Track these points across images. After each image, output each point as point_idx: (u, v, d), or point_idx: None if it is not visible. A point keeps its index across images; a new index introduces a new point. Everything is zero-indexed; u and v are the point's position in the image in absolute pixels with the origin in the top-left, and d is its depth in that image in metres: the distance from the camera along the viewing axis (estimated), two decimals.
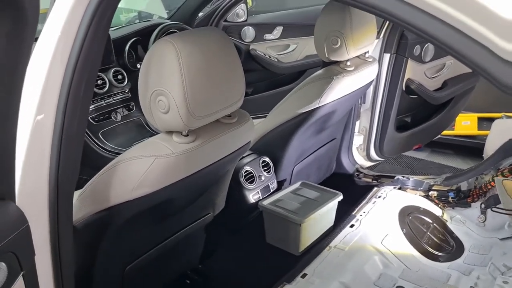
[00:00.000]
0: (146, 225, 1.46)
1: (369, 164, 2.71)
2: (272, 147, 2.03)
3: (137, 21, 3.28)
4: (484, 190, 2.13)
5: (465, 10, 0.68)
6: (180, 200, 1.46)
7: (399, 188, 2.34)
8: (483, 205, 2.08)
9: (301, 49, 3.38)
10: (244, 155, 2.00)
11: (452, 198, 2.22)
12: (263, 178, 1.99)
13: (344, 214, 2.04)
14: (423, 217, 2.08)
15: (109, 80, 2.43)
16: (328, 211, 1.94)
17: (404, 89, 2.47)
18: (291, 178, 2.18)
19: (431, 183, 2.34)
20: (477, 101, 3.14)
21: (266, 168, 2.02)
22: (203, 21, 3.20)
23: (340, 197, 1.97)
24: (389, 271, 1.76)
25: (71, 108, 1.07)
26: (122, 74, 2.50)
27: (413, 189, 2.34)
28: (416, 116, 2.75)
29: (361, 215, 2.03)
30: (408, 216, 2.06)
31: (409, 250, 1.89)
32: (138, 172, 1.21)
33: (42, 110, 1.05)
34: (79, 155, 1.17)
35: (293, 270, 1.70)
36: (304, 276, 1.68)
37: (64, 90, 1.06)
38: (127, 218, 1.33)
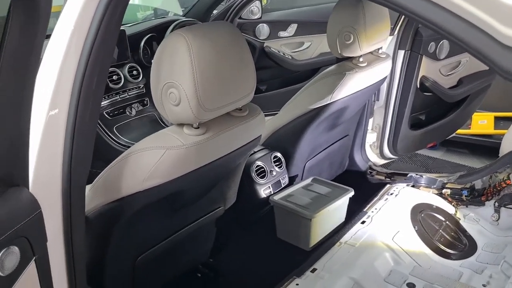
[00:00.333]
0: (157, 217, 1.48)
1: (382, 161, 2.70)
2: (283, 143, 2.04)
3: (153, 18, 3.31)
4: (498, 188, 2.11)
5: None
6: (190, 192, 1.47)
7: (412, 186, 2.33)
8: (497, 204, 2.05)
9: (316, 46, 3.37)
10: (255, 150, 2.01)
11: (465, 196, 2.20)
12: (274, 173, 2.00)
13: (355, 211, 2.03)
14: (435, 215, 2.07)
15: (124, 76, 2.46)
16: (339, 206, 1.94)
17: (418, 86, 2.45)
18: (303, 174, 2.18)
19: (445, 181, 2.32)
20: (494, 100, 3.11)
21: (277, 163, 2.03)
22: (218, 19, 3.22)
23: (352, 193, 1.97)
24: (400, 268, 1.75)
25: (84, 101, 1.09)
26: (137, 69, 2.54)
27: (426, 187, 2.32)
28: (430, 114, 2.72)
29: (372, 212, 2.02)
30: (420, 213, 2.04)
31: (421, 247, 1.88)
32: (149, 163, 1.23)
33: (56, 103, 1.08)
34: (91, 147, 1.19)
35: (303, 265, 1.70)
36: (313, 271, 1.68)
37: (77, 83, 1.08)
38: (138, 209, 1.35)
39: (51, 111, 1.07)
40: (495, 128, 3.58)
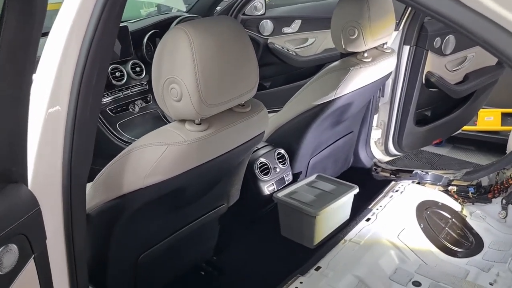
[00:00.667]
0: (159, 214, 1.46)
1: (387, 158, 2.67)
2: (287, 139, 2.02)
3: (157, 14, 3.29)
4: (506, 185, 2.08)
5: None
6: (193, 189, 1.46)
7: (418, 183, 2.30)
8: (504, 201, 2.02)
9: (320, 42, 3.35)
10: (259, 147, 1.99)
11: (472, 193, 2.17)
12: (278, 170, 1.98)
13: (360, 208, 2.01)
14: (441, 212, 2.04)
15: (127, 72, 2.45)
16: (344, 204, 1.91)
17: (424, 82, 2.43)
18: (307, 170, 2.16)
19: (451, 178, 2.29)
20: (500, 96, 3.07)
21: (281, 160, 2.01)
22: (221, 14, 3.19)
23: (356, 190, 1.94)
24: (405, 266, 1.73)
25: (83, 98, 1.08)
26: (140, 66, 2.52)
27: (431, 184, 2.29)
28: (436, 110, 2.70)
29: (377, 209, 2.00)
30: (426, 210, 2.02)
31: (427, 245, 1.85)
32: (150, 159, 1.21)
33: (56, 99, 1.06)
34: (92, 143, 1.18)
35: (307, 263, 1.69)
36: (318, 269, 1.66)
37: (76, 80, 1.07)
38: (140, 206, 1.34)
39: (51, 108, 1.06)
40: (502, 124, 3.53)
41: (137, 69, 2.51)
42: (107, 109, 2.36)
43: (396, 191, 2.15)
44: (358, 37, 1.79)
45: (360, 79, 1.88)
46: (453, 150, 3.64)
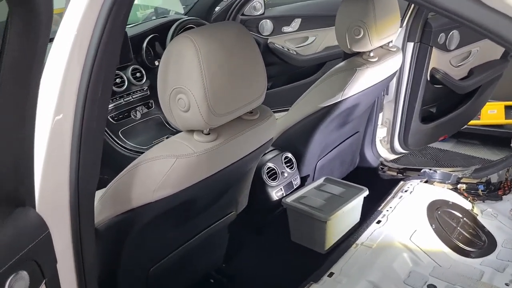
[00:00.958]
0: (169, 226, 1.43)
1: (393, 156, 2.64)
2: (294, 142, 1.99)
3: (154, 17, 3.25)
4: None
5: None
6: (202, 200, 1.42)
7: (426, 181, 2.27)
8: None
9: (320, 41, 3.32)
10: (266, 151, 1.96)
11: (482, 191, 2.14)
12: (286, 174, 1.95)
13: (370, 210, 1.98)
14: (452, 211, 2.01)
15: (127, 78, 2.41)
16: (354, 207, 1.88)
17: (429, 79, 2.40)
18: (314, 173, 2.13)
19: (460, 176, 2.26)
20: (503, 89, 3.03)
21: (288, 164, 1.98)
22: (220, 16, 3.16)
23: (366, 193, 1.91)
24: (419, 269, 1.70)
25: (90, 108, 1.05)
26: (140, 72, 2.48)
27: (440, 182, 2.26)
28: (441, 107, 2.67)
29: (387, 211, 1.97)
30: (436, 210, 1.99)
31: (439, 246, 1.83)
32: (159, 173, 1.18)
33: (61, 110, 1.03)
34: (99, 155, 1.14)
35: (319, 269, 1.66)
36: (331, 275, 1.63)
37: (82, 90, 1.04)
38: (150, 220, 1.31)
39: (57, 116, 1.02)
40: (506, 117, 3.50)
41: (138, 74, 2.47)
42: (108, 116, 2.32)
43: (406, 191, 2.12)
44: (364, 36, 1.76)
45: (366, 79, 1.85)
46: (457, 145, 3.61)
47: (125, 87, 2.39)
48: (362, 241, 1.79)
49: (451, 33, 2.34)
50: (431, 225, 1.91)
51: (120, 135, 2.31)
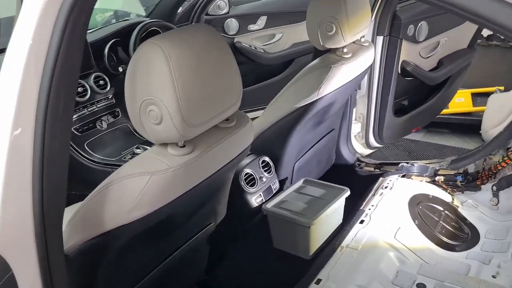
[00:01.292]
0: (146, 244, 1.34)
1: (368, 151, 2.61)
2: (271, 145, 1.92)
3: (114, 21, 3.12)
4: (494, 171, 2.05)
5: None
6: (180, 216, 1.34)
7: (404, 176, 2.25)
8: (494, 188, 2.00)
9: (287, 37, 3.27)
10: None
11: (460, 181, 2.14)
12: (264, 179, 1.88)
13: (352, 209, 1.93)
14: (433, 205, 1.99)
15: (90, 87, 2.28)
16: (337, 209, 1.83)
17: (400, 71, 2.37)
18: (292, 175, 2.06)
19: (437, 168, 2.25)
20: (469, 77, 3.05)
21: (266, 168, 1.90)
22: (184, 17, 3.06)
23: (348, 193, 1.86)
24: (406, 268, 1.66)
25: (51, 122, 0.95)
26: (103, 79, 2.36)
27: (418, 176, 2.25)
28: (413, 99, 2.66)
29: (369, 209, 1.93)
30: (418, 205, 1.96)
31: (424, 242, 1.80)
32: (133, 192, 1.09)
33: (19, 125, 0.93)
34: (65, 175, 1.04)
35: (306, 276, 1.60)
36: (318, 282, 1.57)
37: (41, 104, 0.94)
38: (125, 242, 1.21)
39: (15, 131, 0.93)
40: (474, 105, 3.55)
41: (101, 82, 2.34)
42: (72, 129, 2.18)
43: (386, 187, 2.08)
44: (337, 32, 1.71)
45: (341, 76, 1.80)
46: (428, 134, 3.64)
47: (88, 96, 2.26)
48: (347, 243, 1.74)
49: (419, 24, 2.31)
50: (414, 221, 1.88)
51: (86, 147, 2.18)
